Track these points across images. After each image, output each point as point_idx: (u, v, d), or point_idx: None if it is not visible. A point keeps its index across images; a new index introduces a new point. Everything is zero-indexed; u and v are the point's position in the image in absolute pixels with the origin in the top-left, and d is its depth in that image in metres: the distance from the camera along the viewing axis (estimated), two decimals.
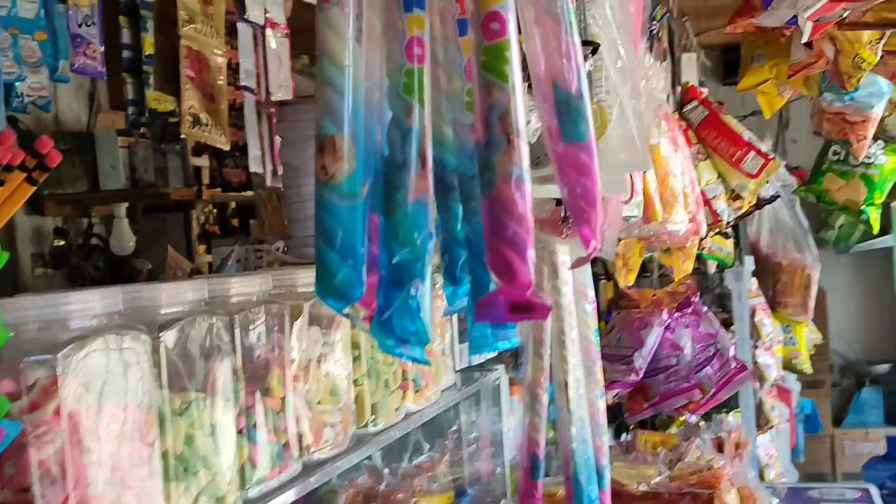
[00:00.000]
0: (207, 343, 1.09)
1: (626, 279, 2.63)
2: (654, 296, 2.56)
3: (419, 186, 0.85)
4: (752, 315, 4.78)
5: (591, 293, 1.84)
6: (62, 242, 4.00)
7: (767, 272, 5.18)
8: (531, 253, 0.80)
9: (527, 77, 0.87)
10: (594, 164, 0.86)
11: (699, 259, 3.93)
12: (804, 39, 2.20)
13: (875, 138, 3.43)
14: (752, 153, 2.89)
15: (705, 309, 2.49)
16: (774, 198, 3.13)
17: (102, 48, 2.45)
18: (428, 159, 0.86)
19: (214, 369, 1.08)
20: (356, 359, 1.53)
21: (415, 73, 0.84)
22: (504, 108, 0.80)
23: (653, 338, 2.43)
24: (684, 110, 3.00)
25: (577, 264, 1.04)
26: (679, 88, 3.09)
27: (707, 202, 2.91)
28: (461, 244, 0.97)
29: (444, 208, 0.99)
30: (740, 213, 3.04)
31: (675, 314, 2.46)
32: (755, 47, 4.39)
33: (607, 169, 1.27)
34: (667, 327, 2.45)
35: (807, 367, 5.20)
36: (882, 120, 3.31)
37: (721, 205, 2.92)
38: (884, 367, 6.25)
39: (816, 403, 5.92)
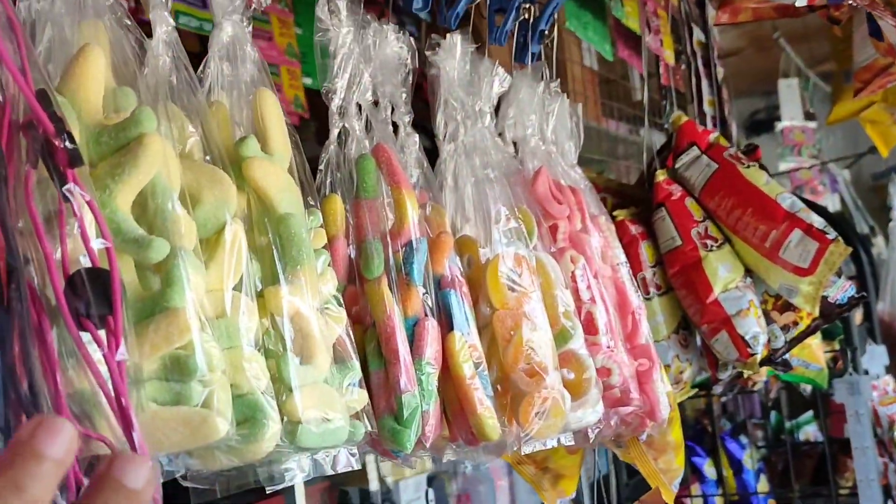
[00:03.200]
0: None
1: (553, 496, 1.38)
2: None
3: None
4: (890, 427, 3.43)
5: None
6: None
7: None
8: None
9: None
10: None
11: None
12: None
13: None
14: (797, 232, 1.60)
15: None
16: (858, 300, 1.79)
17: None
18: None
19: None
20: None
21: None
22: None
23: None
24: (677, 165, 1.74)
25: None
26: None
27: (727, 322, 1.64)
28: None
29: None
30: (795, 333, 1.73)
31: None
32: (848, 59, 3.11)
33: None
34: None
35: None
36: None
37: (752, 325, 1.63)
38: None
39: None
